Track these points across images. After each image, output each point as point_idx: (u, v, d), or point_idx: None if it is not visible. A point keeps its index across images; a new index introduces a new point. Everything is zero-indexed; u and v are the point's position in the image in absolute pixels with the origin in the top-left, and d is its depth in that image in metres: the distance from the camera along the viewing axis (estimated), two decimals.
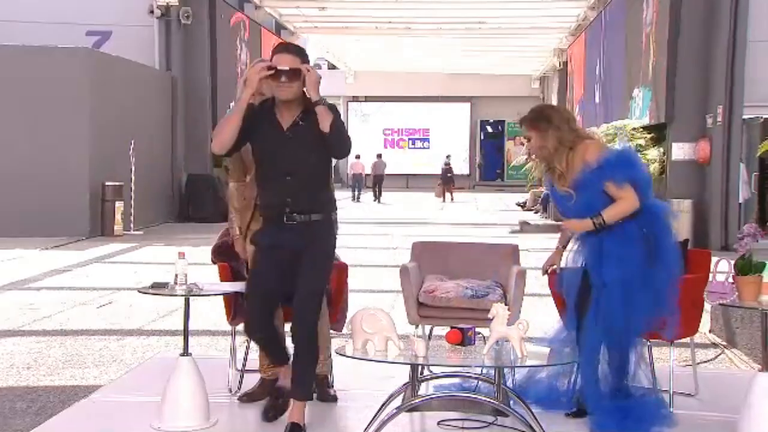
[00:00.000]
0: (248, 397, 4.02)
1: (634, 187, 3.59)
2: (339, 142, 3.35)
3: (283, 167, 3.36)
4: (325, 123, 3.32)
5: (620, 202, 3.59)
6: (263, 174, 3.46)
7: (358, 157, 26.47)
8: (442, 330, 4.01)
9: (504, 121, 34.18)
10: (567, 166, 3.64)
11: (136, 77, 14.23)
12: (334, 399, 4.05)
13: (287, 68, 3.32)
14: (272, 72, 3.31)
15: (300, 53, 3.41)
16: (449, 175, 25.29)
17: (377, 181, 25.26)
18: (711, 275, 3.82)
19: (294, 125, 3.39)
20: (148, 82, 14.87)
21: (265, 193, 3.47)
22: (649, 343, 3.88)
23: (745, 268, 3.55)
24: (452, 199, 24.12)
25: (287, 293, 3.49)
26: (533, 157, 3.78)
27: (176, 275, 3.72)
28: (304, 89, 3.40)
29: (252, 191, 3.82)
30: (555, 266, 3.97)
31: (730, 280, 3.62)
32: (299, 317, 3.45)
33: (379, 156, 26.73)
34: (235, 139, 3.35)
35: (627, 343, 3.74)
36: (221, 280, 4.17)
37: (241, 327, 4.30)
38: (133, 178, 13.14)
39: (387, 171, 27.08)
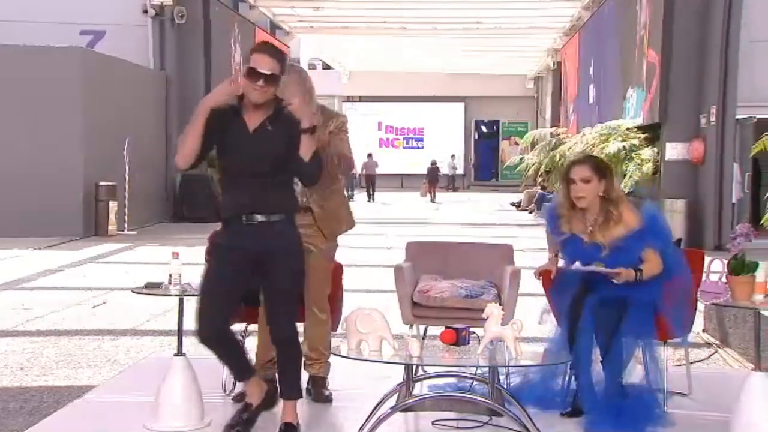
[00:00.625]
0: (242, 397, 4.00)
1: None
2: (312, 173, 3.35)
3: (245, 168, 3.32)
4: (306, 152, 3.30)
5: (653, 264, 3.78)
6: (225, 174, 3.42)
7: None
8: (436, 330, 4.01)
9: (498, 120, 34.22)
10: (604, 220, 3.80)
11: (130, 77, 14.20)
12: (329, 399, 4.04)
13: (268, 73, 3.28)
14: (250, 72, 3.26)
15: (280, 58, 3.36)
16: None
17: (370, 181, 25.41)
18: (704, 275, 3.83)
19: (261, 127, 3.34)
20: (142, 82, 14.84)
21: (226, 193, 3.42)
22: (642, 343, 3.89)
23: (738, 267, 3.56)
24: (433, 199, 24.10)
25: (244, 295, 3.45)
26: (582, 198, 3.81)
27: (170, 275, 3.71)
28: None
29: None
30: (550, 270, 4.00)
31: (724, 279, 3.63)
32: (274, 320, 3.41)
33: (370, 156, 26.78)
34: (199, 150, 3.29)
35: (630, 348, 3.77)
36: None
37: (235, 327, 4.31)
38: (127, 177, 13.10)
39: (382, 171, 27.49)
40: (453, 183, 30.91)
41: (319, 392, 4.04)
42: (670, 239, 3.96)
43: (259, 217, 3.31)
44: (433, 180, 25.24)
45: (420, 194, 25.21)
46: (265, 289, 3.44)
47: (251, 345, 4.17)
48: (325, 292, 4.02)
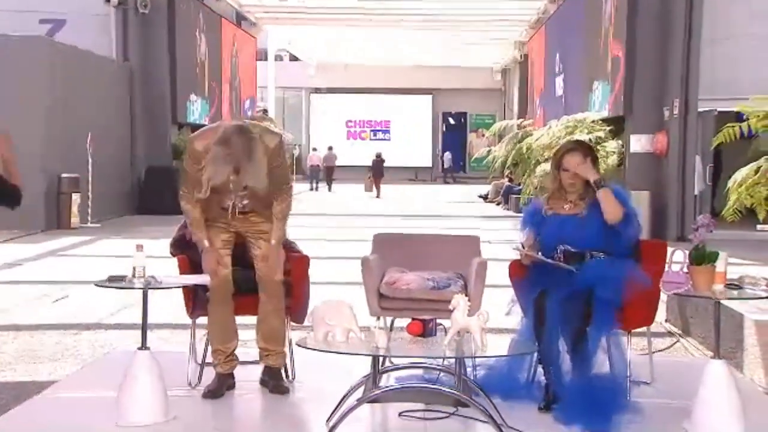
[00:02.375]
0: (212, 394, 3.98)
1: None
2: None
3: None
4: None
5: (611, 200, 3.90)
6: None
7: (314, 149, 28.35)
8: (403, 321, 4.01)
9: (466, 113, 34.32)
10: (583, 197, 3.98)
11: (92, 67, 13.93)
12: (288, 390, 4.02)
13: None
14: None
15: None
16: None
17: (329, 172, 26.31)
18: (667, 266, 3.89)
19: None
20: (105, 73, 14.58)
21: None
22: (607, 334, 3.93)
23: (699, 258, 3.60)
24: (378, 195, 22.74)
25: None
26: (574, 176, 3.98)
27: (134, 268, 3.66)
28: None
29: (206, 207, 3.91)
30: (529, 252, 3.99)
31: (685, 270, 3.68)
32: None
33: (330, 148, 27.51)
34: None
35: (596, 339, 3.81)
36: (180, 273, 4.12)
37: (201, 320, 4.27)
38: (90, 169, 12.89)
39: (350, 162, 28.48)
40: (452, 175, 31.93)
41: (278, 383, 4.02)
42: (630, 204, 4.05)
43: None
44: (378, 174, 23.67)
45: (364, 189, 23.53)
46: None
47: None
48: (281, 281, 3.99)
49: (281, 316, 4.03)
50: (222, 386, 4.00)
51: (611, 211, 3.87)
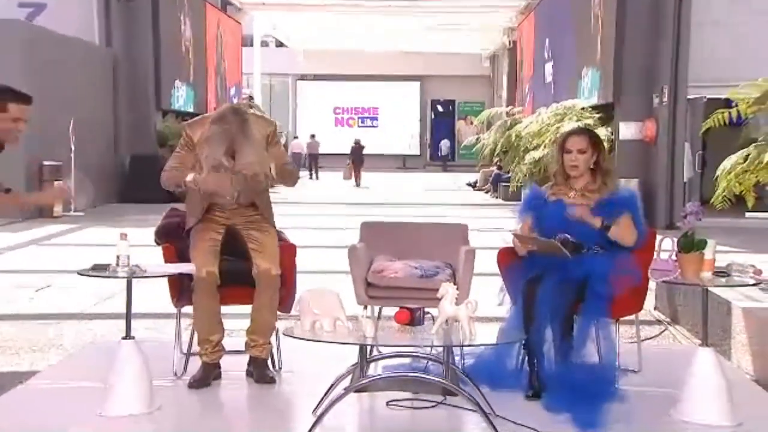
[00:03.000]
0: (197, 383, 3.93)
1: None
2: None
3: None
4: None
5: (627, 230, 3.90)
6: None
7: (296, 137, 28.64)
8: (391, 310, 3.98)
9: (454, 100, 34.27)
10: (591, 189, 3.96)
11: (74, 53, 13.76)
12: (273, 380, 3.99)
13: None
14: None
15: None
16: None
17: (312, 160, 26.20)
18: (655, 253, 3.87)
19: None
20: (88, 59, 14.40)
21: None
22: (596, 323, 3.91)
23: (688, 245, 3.59)
24: (358, 184, 21.84)
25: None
26: (576, 168, 3.96)
27: (118, 257, 3.60)
28: None
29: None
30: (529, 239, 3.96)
31: (674, 257, 3.66)
32: None
33: (313, 136, 27.48)
34: None
35: (586, 328, 3.80)
36: (165, 262, 4.07)
37: (186, 310, 4.22)
38: (73, 157, 12.74)
39: (336, 150, 28.05)
40: (446, 163, 31.98)
41: (263, 373, 3.99)
42: (642, 221, 4.04)
43: None
44: (358, 161, 22.28)
45: (343, 177, 22.53)
46: None
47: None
48: (278, 275, 3.96)
49: (275, 309, 4.00)
50: (208, 376, 3.96)
51: (625, 242, 3.90)
